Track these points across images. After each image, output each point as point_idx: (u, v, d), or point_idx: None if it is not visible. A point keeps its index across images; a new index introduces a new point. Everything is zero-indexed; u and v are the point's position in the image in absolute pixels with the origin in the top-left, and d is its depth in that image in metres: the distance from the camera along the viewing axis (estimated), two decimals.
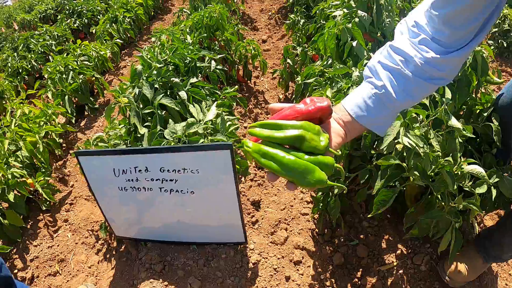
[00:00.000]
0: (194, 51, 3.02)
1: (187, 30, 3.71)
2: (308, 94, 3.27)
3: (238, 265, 2.51)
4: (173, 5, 8.29)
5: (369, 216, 2.19)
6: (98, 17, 7.96)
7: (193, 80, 2.67)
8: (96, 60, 4.77)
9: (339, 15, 3.44)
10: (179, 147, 1.96)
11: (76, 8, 7.93)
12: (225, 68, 3.61)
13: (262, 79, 4.53)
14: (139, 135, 2.37)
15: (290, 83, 4.10)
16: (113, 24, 5.97)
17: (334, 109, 1.29)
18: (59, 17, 8.09)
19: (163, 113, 2.42)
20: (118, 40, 5.44)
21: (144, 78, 2.55)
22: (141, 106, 2.45)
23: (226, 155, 1.94)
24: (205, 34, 3.64)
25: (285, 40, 5.55)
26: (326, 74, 3.23)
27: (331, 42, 2.93)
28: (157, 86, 2.50)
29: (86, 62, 4.55)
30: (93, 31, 6.26)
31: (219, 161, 1.97)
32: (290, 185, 1.13)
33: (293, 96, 3.78)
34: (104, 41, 5.54)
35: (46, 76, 4.47)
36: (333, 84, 2.66)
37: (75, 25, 7.46)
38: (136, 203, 2.41)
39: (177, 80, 2.58)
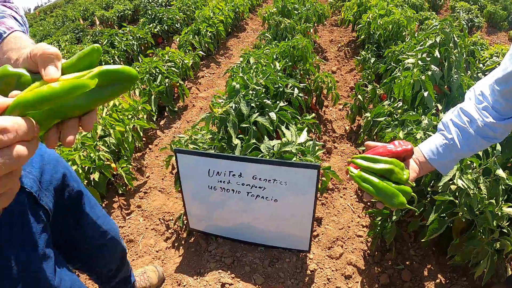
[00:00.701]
0: (283, 78, 3.42)
1: (274, 56, 4.11)
2: (376, 130, 3.63)
3: (298, 270, 2.86)
4: (247, 24, 8.79)
5: (422, 240, 2.56)
6: (177, 25, 8.52)
7: (282, 104, 3.06)
8: (180, 67, 5.25)
9: (411, 63, 3.80)
10: (274, 160, 2.34)
11: (158, 14, 8.50)
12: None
13: (331, 109, 4.89)
14: (233, 145, 2.76)
15: (357, 116, 4.44)
16: (196, 36, 6.46)
17: None
18: (141, 20, 8.69)
19: (255, 129, 2.81)
20: (200, 52, 5.92)
21: (242, 96, 2.95)
22: (236, 120, 2.85)
23: (313, 174, 2.31)
24: (290, 63, 4.04)
25: (353, 74, 5.90)
26: (394, 115, 3.58)
27: (408, 90, 3.27)
28: (253, 105, 2.90)
29: (173, 68, 5.02)
30: (177, 39, 6.78)
31: (306, 178, 2.34)
32: (379, 204, 1.55)
33: (361, 130, 4.13)
34: (187, 51, 6.03)
35: None
36: (404, 127, 3.01)
37: (156, 30, 8.02)
38: (219, 201, 2.78)
39: (269, 102, 2.98)
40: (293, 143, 2.50)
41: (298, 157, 2.44)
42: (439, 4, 11.81)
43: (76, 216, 1.71)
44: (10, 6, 1.36)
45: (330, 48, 7.04)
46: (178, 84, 4.95)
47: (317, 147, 2.49)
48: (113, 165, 3.62)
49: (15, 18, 1.29)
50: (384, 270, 2.94)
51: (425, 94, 3.32)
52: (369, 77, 5.06)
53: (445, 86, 3.59)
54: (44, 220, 1.41)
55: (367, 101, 4.33)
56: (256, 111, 2.88)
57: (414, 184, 1.64)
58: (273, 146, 2.48)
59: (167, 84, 4.75)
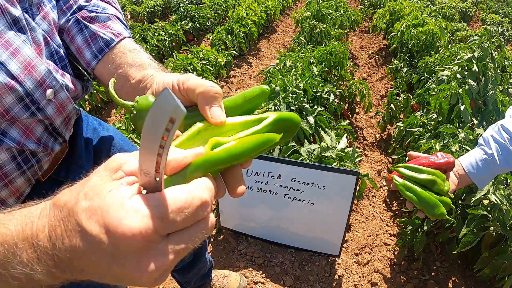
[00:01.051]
0: (321, 83, 3.45)
1: (310, 60, 4.15)
2: (408, 140, 3.64)
3: (326, 274, 2.89)
4: (277, 26, 8.83)
5: (453, 252, 2.60)
6: (207, 23, 8.59)
7: (319, 109, 3.10)
8: (214, 65, 5.31)
9: (446, 76, 3.80)
10: (315, 164, 2.38)
11: (190, 12, 8.58)
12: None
13: (361, 116, 4.91)
14: None
15: (387, 125, 4.45)
16: (229, 35, 6.52)
17: None
18: (173, 17, 8.77)
19: None
20: (233, 51, 5.98)
21: (281, 98, 2.99)
22: None
23: (352, 180, 2.35)
24: (327, 68, 4.07)
25: (384, 82, 5.90)
26: (428, 126, 3.60)
27: (445, 103, 3.28)
28: (293, 108, 2.94)
29: (207, 66, 5.08)
30: (208, 37, 6.85)
31: (344, 183, 2.37)
32: (420, 213, 1.58)
33: (392, 139, 4.15)
34: (220, 50, 6.09)
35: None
36: (440, 139, 3.02)
37: (187, 27, 8.09)
38: (254, 201, 2.82)
39: (307, 106, 3.01)
40: (333, 148, 2.54)
41: (337, 162, 2.47)
42: (470, 16, 11.73)
43: None
44: (109, 1, 1.23)
45: (360, 55, 7.05)
46: None
47: (356, 154, 2.52)
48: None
49: (119, 19, 1.19)
50: (410, 280, 2.96)
51: (462, 107, 3.32)
52: (401, 86, 5.05)
53: (480, 101, 3.59)
54: None
55: (398, 111, 4.34)
56: None
57: (453, 196, 1.67)
58: (314, 150, 2.52)
59: None
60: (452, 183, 1.68)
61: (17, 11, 0.95)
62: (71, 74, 1.15)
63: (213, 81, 4.97)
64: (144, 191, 0.55)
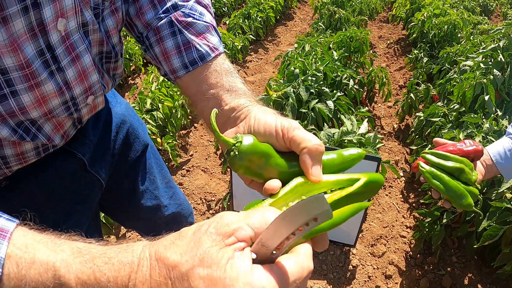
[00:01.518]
0: (341, 68, 3.35)
1: (329, 45, 4.04)
2: (429, 131, 3.53)
3: (341, 264, 2.81)
4: (294, 13, 8.70)
5: (474, 246, 2.50)
6: (224, 9, 8.46)
7: (339, 93, 3.00)
8: (230, 49, 5.21)
9: (469, 66, 3.68)
10: (334, 148, 2.28)
11: None
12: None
13: (379, 105, 4.79)
14: None
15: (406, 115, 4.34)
16: (246, 20, 6.41)
17: None
18: None
19: (313, 115, 2.76)
20: (250, 35, 5.87)
21: (301, 81, 2.89)
22: (295, 104, 2.80)
23: (372, 166, 2.25)
24: (346, 54, 3.96)
25: (403, 73, 5.78)
26: (449, 117, 3.48)
27: (469, 92, 3.16)
28: (312, 91, 2.84)
29: (225, 50, 4.98)
30: (225, 21, 6.74)
31: (365, 169, 2.27)
32: (446, 203, 1.47)
33: (411, 129, 4.04)
34: (237, 34, 5.98)
35: None
36: (464, 129, 2.91)
37: None
38: None
39: (327, 90, 2.91)
40: (354, 133, 2.43)
41: (357, 147, 2.38)
42: (491, 10, 11.47)
43: (134, 182, 1.55)
44: (206, 4, 1.12)
45: (379, 44, 6.91)
46: None
47: (377, 140, 2.42)
48: (158, 139, 3.61)
49: (215, 29, 1.09)
50: (425, 274, 2.87)
51: (486, 98, 3.20)
52: (421, 76, 4.93)
53: (505, 92, 3.46)
54: (95, 189, 1.31)
55: (418, 101, 4.23)
56: (315, 97, 2.83)
57: (480, 187, 1.56)
58: (334, 134, 2.42)
59: None
60: (479, 173, 1.57)
61: (88, 14, 0.92)
62: (107, 73, 1.13)
63: None
64: (253, 255, 0.58)
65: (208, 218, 3.31)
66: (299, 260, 0.59)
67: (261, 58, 6.13)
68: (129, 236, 3.13)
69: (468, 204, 1.41)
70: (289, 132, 0.79)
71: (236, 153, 0.78)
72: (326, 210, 0.52)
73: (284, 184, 0.79)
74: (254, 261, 0.57)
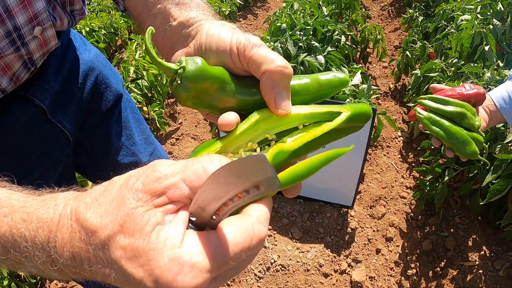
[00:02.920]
0: (331, 22, 3.15)
1: (319, 3, 3.84)
2: (426, 87, 3.36)
3: (339, 227, 2.66)
4: None
5: (481, 203, 2.37)
6: None
7: (330, 48, 2.81)
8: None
9: (467, 20, 3.48)
10: (326, 100, 2.10)
11: None
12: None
13: (374, 66, 4.61)
14: None
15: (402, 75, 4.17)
16: None
17: None
18: None
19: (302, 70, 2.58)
20: (237, 1, 5.65)
21: (288, 35, 2.71)
22: None
23: None
24: (337, 10, 3.77)
25: (398, 34, 5.58)
26: (447, 72, 3.30)
27: (466, 42, 2.98)
28: (301, 45, 2.66)
29: None
30: None
31: None
32: (449, 151, 1.32)
33: (407, 88, 3.86)
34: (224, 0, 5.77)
35: None
36: (464, 79, 2.74)
37: None
38: None
39: (317, 44, 2.73)
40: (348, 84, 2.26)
41: (350, 99, 2.20)
42: None
43: (107, 136, 1.40)
44: None
45: (372, 7, 6.67)
46: None
47: (372, 91, 2.25)
48: (144, 108, 3.46)
49: None
50: (427, 236, 2.74)
51: (486, 48, 3.02)
52: (416, 36, 4.74)
53: (505, 43, 3.28)
54: (59, 141, 1.18)
55: (414, 59, 4.05)
56: (304, 52, 2.64)
57: (484, 135, 1.39)
58: None
59: None
60: (482, 120, 1.41)
61: None
62: (61, 6, 0.99)
63: None
64: (193, 218, 0.48)
65: None
66: (247, 226, 0.48)
67: (251, 24, 5.92)
68: None
69: (473, 152, 1.27)
70: (247, 51, 0.62)
71: (179, 81, 0.60)
72: (269, 177, 0.42)
73: (248, 113, 0.64)
74: (194, 225, 0.47)
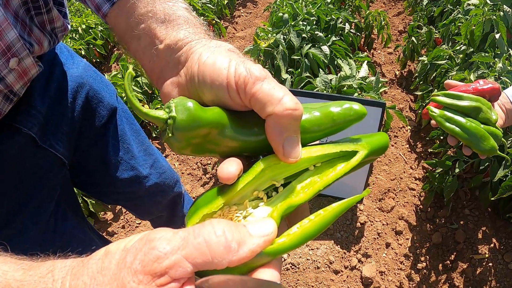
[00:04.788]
0: (335, 10, 3.06)
1: None
2: (434, 75, 3.27)
3: (348, 222, 2.60)
4: None
5: (492, 198, 2.28)
6: None
7: (334, 38, 2.73)
8: (216, 5, 4.90)
9: (474, 4, 3.38)
10: (333, 95, 2.03)
11: None
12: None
13: (379, 52, 4.51)
14: (282, 79, 2.46)
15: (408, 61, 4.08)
16: None
17: None
18: None
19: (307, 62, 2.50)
20: None
21: (291, 26, 2.62)
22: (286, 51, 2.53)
23: (377, 113, 2.00)
24: None
25: (402, 18, 5.46)
26: (455, 59, 3.21)
27: (478, 30, 2.88)
28: (305, 36, 2.57)
29: (209, 5, 4.68)
30: None
31: (369, 117, 2.03)
32: (466, 149, 1.26)
33: (414, 75, 3.77)
34: None
35: None
36: (475, 69, 2.66)
37: None
38: None
39: (321, 34, 2.65)
40: (354, 77, 2.18)
41: (358, 92, 2.13)
42: None
43: (104, 153, 1.34)
44: None
45: None
46: (214, 22, 4.62)
47: (380, 84, 2.17)
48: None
49: None
50: (437, 229, 2.68)
51: (497, 36, 2.93)
52: (421, 20, 4.63)
53: None
54: (53, 167, 1.12)
55: (420, 45, 3.95)
56: (308, 43, 2.56)
57: (501, 132, 1.32)
58: (331, 80, 2.17)
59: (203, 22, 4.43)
60: (499, 117, 1.35)
61: None
62: (40, 28, 0.92)
63: (216, 21, 4.60)
64: None
65: (205, 183, 3.12)
66: None
67: (250, 12, 5.80)
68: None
69: (491, 148, 1.21)
70: (248, 87, 0.52)
71: (170, 134, 0.52)
72: None
73: (253, 154, 0.58)
74: None
